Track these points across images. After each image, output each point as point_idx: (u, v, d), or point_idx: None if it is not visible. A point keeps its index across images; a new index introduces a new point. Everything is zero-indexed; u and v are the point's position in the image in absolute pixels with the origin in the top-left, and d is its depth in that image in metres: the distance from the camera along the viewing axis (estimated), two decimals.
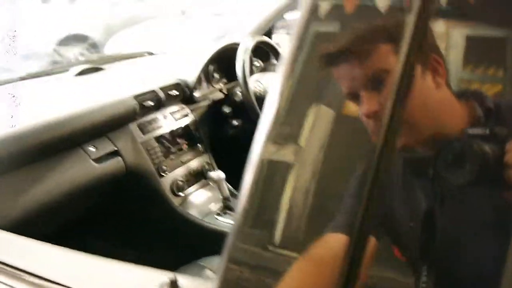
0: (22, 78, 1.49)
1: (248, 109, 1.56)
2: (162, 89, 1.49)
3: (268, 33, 2.02)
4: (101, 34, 5.44)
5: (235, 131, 1.76)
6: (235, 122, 1.71)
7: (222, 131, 1.76)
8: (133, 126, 1.39)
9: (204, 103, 1.69)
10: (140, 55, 1.94)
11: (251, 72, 1.65)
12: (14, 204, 1.05)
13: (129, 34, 5.16)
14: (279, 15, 2.00)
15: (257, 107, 1.56)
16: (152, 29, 5.23)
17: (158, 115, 1.49)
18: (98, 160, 1.25)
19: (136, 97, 1.38)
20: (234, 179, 1.54)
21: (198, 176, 1.56)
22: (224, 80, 1.86)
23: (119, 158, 1.30)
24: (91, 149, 1.24)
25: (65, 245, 1.52)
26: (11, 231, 1.04)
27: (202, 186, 1.57)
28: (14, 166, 1.05)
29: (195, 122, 1.62)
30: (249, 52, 1.59)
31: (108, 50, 5.06)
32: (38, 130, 1.11)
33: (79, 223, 1.37)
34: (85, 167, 1.22)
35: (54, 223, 1.25)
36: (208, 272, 1.18)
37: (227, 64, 1.79)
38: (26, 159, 1.08)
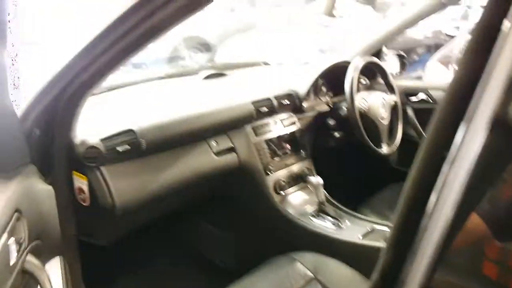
0: (161, 78, 1.77)
1: (351, 124, 1.69)
2: (276, 97, 1.68)
3: (378, 53, 2.13)
4: (215, 38, 5.88)
5: (336, 142, 1.89)
6: (337, 134, 1.85)
7: (324, 141, 1.91)
8: (248, 128, 1.59)
9: (310, 114, 1.86)
10: (257, 64, 2.16)
11: (357, 90, 1.78)
12: (148, 183, 1.28)
13: (240, 40, 5.52)
14: (389, 37, 2.09)
15: (360, 123, 1.68)
16: (261, 37, 5.54)
17: (270, 120, 1.68)
18: (218, 153, 1.47)
19: (254, 103, 1.59)
20: (330, 186, 1.69)
21: (298, 179, 1.73)
22: (330, 94, 2.01)
23: (234, 154, 1.52)
24: (213, 143, 1.46)
25: (179, 225, 1.78)
26: (142, 207, 1.28)
27: (301, 189, 1.73)
28: (157, 150, 1.30)
29: (300, 130, 1.79)
30: (358, 71, 1.72)
31: (220, 53, 5.47)
32: (177, 123, 1.34)
33: (193, 206, 1.60)
34: (207, 158, 1.44)
35: (175, 204, 1.49)
36: (298, 265, 1.33)
37: (335, 80, 1.94)
38: (165, 146, 1.32)
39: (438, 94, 2.07)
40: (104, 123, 1.26)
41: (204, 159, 1.43)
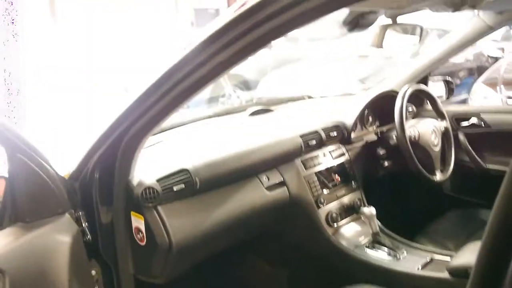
0: (210, 116, 1.82)
1: (402, 153, 1.66)
2: (323, 130, 1.68)
3: (423, 80, 2.10)
4: (254, 73, 6.00)
5: (387, 172, 1.86)
6: (387, 164, 1.82)
7: (374, 171, 1.88)
8: (298, 161, 1.59)
9: (359, 144, 1.84)
10: (301, 98, 2.18)
11: (406, 117, 1.75)
12: (202, 221, 1.30)
13: (279, 75, 5.61)
14: (435, 64, 2.07)
15: (411, 151, 1.65)
16: (300, 71, 5.61)
17: (319, 152, 1.67)
18: (269, 188, 1.47)
19: (302, 136, 1.59)
20: (383, 216, 1.65)
21: (350, 211, 1.70)
22: (377, 123, 1.99)
23: (285, 188, 1.51)
24: (264, 179, 1.47)
25: (231, 262, 1.78)
26: (197, 245, 1.30)
27: (353, 220, 1.69)
28: (211, 188, 1.32)
29: (350, 161, 1.77)
30: (406, 99, 1.70)
31: (260, 89, 5.56)
32: (229, 160, 1.37)
33: (245, 242, 1.60)
34: (259, 193, 1.45)
35: (228, 241, 1.49)
36: None
37: (381, 109, 1.92)
38: (218, 183, 1.34)
39: (490, 118, 2.00)
40: (158, 163, 1.30)
41: (256, 194, 1.44)
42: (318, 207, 1.59)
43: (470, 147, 2.05)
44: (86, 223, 1.19)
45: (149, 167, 1.26)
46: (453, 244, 1.68)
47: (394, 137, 1.75)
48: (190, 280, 1.61)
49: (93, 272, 1.26)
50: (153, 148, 1.42)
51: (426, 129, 1.78)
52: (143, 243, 1.24)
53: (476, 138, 2.05)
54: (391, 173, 1.92)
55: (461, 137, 2.06)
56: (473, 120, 2.04)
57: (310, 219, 1.58)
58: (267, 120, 1.83)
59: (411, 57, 5.99)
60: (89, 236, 1.19)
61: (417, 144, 1.72)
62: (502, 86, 3.99)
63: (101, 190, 1.23)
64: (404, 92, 1.72)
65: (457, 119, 2.06)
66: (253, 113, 1.86)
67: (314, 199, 1.59)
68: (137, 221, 1.23)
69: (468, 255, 1.30)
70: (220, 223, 1.33)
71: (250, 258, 1.84)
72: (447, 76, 2.37)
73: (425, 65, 2.07)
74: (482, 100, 4.10)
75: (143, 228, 1.22)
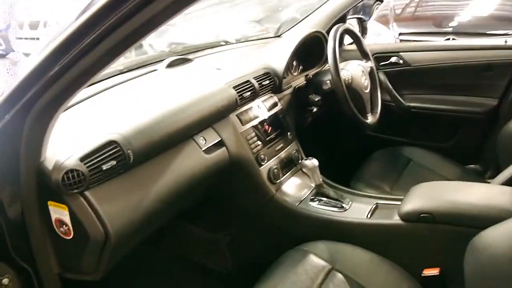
0: (121, 71, 1.54)
1: (338, 98, 1.57)
2: (255, 78, 1.51)
3: (343, 18, 2.02)
4: None
5: (321, 119, 1.78)
6: (316, 110, 1.72)
7: (305, 119, 1.78)
8: (233, 117, 1.42)
9: (288, 91, 1.72)
10: (218, 44, 1.96)
11: None
12: (140, 199, 1.08)
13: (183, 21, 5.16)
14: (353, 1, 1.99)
15: (348, 96, 1.57)
16: (193, 17, 5.22)
17: (253, 104, 1.52)
18: (208, 151, 1.29)
19: (235, 87, 1.41)
20: (320, 165, 1.57)
21: (290, 164, 1.60)
22: (301, 67, 1.88)
23: (224, 148, 1.35)
24: (201, 141, 1.28)
25: (172, 231, 1.59)
26: (137, 228, 1.10)
27: (294, 174, 1.60)
28: (145, 159, 1.10)
29: (282, 111, 1.64)
30: (338, 40, 1.59)
31: (168, 36, 5.07)
32: (160, 123, 1.14)
33: (186, 211, 1.42)
34: (198, 158, 1.26)
35: (169, 215, 1.31)
36: (313, 257, 1.22)
37: (305, 52, 1.80)
38: (153, 153, 1.12)
39: (409, 56, 2.01)
40: (76, 136, 1.04)
41: (194, 159, 1.25)
42: (260, 165, 1.46)
43: (391, 87, 2.05)
44: None
45: (65, 142, 0.99)
46: (388, 185, 1.70)
47: (328, 82, 1.65)
48: (123, 263, 1.41)
49: (5, 281, 1.00)
50: (63, 121, 1.14)
51: (356, 72, 1.71)
52: (70, 237, 1.00)
53: (395, 76, 2.06)
54: (318, 119, 1.85)
55: (382, 76, 2.05)
56: (393, 59, 2.04)
57: (252, 179, 1.44)
58: (189, 71, 1.60)
59: None
60: None
61: (351, 88, 1.65)
62: (395, 23, 4.12)
63: (3, 177, 0.95)
64: (335, 32, 1.61)
65: (376, 58, 2.04)
66: (171, 64, 1.61)
67: (254, 157, 1.45)
68: (59, 212, 0.98)
69: (417, 200, 1.29)
70: (160, 198, 1.13)
71: (186, 227, 1.67)
72: (359, 15, 2.33)
73: (344, 4, 1.98)
74: (376, 37, 4.22)
75: (67, 220, 0.97)
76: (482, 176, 1.95)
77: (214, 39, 2.07)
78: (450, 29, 3.94)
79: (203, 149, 1.28)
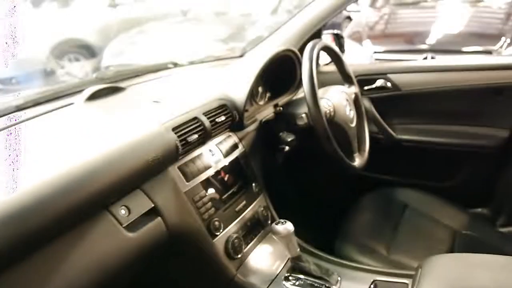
0: (19, 108, 1.10)
1: (319, 136, 1.18)
2: (205, 114, 1.11)
3: (318, 33, 1.65)
4: (97, 36, 5.01)
5: (295, 158, 1.39)
6: (287, 149, 1.32)
7: (273, 160, 1.39)
8: (173, 170, 1.01)
9: (253, 127, 1.32)
10: (165, 67, 1.55)
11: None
12: None
13: (129, 38, 4.75)
14: (329, 15, 1.63)
15: (331, 134, 1.18)
16: (153, 32, 4.82)
17: (203, 150, 1.11)
18: (132, 227, 0.87)
19: (175, 129, 1.00)
20: (288, 214, 1.18)
21: (256, 227, 1.19)
22: (269, 95, 1.49)
23: (159, 219, 0.93)
24: (122, 212, 0.86)
25: None
26: None
27: (262, 240, 1.19)
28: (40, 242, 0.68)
29: (245, 154, 1.25)
30: (315, 60, 1.21)
31: (108, 56, 4.65)
32: (57, 188, 0.73)
33: None
34: (116, 239, 0.84)
35: None
36: None
37: (272, 75, 1.42)
38: (47, 234, 0.71)
39: (398, 78, 1.65)
40: None
41: (111, 241, 0.83)
42: (213, 235, 1.05)
43: (378, 116, 1.69)
44: None
45: None
46: (384, 246, 1.32)
47: (304, 116, 1.26)
48: None
49: None
50: None
51: (339, 101, 1.33)
52: None
53: (383, 103, 1.70)
54: (290, 160, 1.46)
55: (367, 103, 1.69)
56: (379, 82, 1.68)
57: (203, 258, 1.03)
58: (116, 105, 1.19)
59: (271, 14, 5.67)
60: None
61: (333, 122, 1.27)
62: (368, 40, 3.84)
63: None
64: (311, 50, 1.22)
65: (359, 81, 1.67)
66: (93, 96, 1.19)
67: (205, 225, 1.03)
68: None
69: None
70: None
71: None
72: (335, 30, 1.98)
73: (320, 16, 1.62)
74: (351, 56, 3.93)
75: None
76: (493, 223, 1.60)
77: (161, 61, 1.65)
78: (426, 46, 3.70)
79: (125, 224, 0.85)
